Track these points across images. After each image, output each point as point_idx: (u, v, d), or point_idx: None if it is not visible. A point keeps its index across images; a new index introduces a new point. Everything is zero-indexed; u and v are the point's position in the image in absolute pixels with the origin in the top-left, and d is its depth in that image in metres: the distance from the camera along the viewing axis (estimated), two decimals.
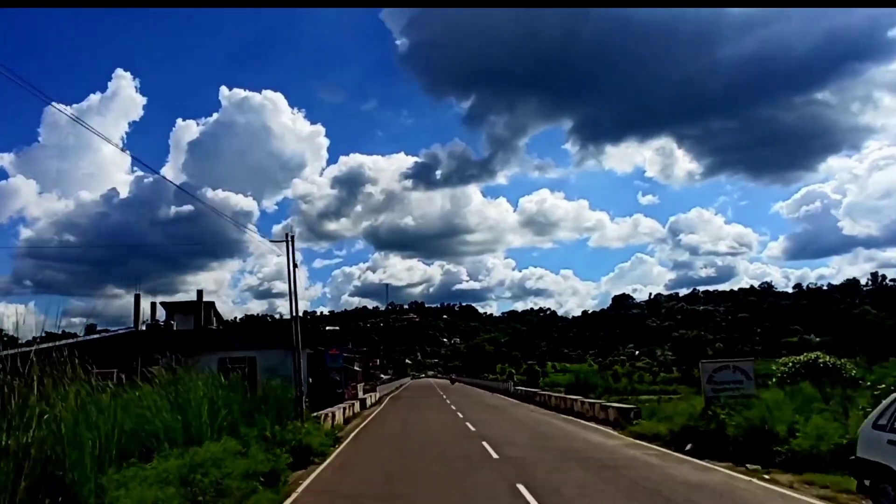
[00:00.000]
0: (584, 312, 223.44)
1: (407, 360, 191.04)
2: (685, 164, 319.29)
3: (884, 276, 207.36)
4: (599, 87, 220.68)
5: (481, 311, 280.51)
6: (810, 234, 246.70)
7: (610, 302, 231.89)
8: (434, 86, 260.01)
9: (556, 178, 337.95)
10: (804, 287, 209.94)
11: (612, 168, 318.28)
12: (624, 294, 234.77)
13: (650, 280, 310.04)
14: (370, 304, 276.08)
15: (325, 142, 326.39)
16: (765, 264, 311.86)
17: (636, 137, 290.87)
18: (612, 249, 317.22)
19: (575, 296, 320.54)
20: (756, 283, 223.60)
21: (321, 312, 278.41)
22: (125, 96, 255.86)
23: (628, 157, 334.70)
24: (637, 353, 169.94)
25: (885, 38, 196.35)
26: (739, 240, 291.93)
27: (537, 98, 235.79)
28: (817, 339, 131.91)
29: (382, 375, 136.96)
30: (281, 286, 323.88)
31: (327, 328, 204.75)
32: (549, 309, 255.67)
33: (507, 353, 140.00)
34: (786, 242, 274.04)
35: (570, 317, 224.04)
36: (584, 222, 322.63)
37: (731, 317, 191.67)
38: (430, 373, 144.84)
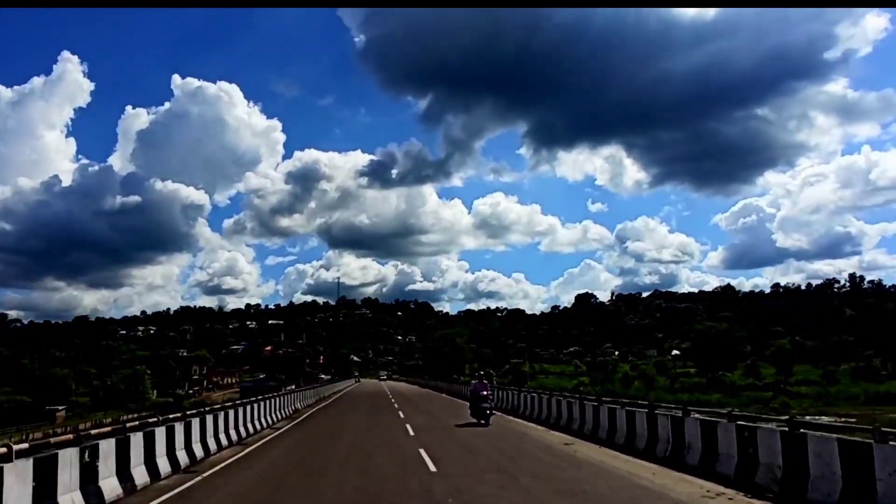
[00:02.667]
0: (555, 308, 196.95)
1: (355, 358, 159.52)
2: (634, 173, 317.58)
3: (861, 278, 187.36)
4: (554, 92, 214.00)
5: (437, 309, 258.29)
6: (746, 245, 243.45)
7: (573, 301, 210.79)
8: (391, 83, 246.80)
9: (510, 181, 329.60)
10: (782, 287, 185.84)
11: (563, 175, 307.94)
12: (587, 293, 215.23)
13: (598, 286, 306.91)
14: (322, 301, 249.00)
15: (282, 137, 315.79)
16: (704, 273, 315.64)
17: (588, 144, 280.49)
18: (562, 254, 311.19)
19: (526, 299, 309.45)
20: (695, 291, 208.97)
21: (267, 306, 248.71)
22: (71, 80, 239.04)
23: (580, 164, 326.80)
24: (617, 353, 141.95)
25: (822, 59, 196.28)
26: (682, 249, 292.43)
27: (493, 100, 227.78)
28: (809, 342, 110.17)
29: (323, 376, 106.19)
30: (232, 282, 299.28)
31: (269, 322, 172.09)
32: (505, 309, 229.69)
33: (475, 350, 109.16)
34: (724, 253, 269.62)
35: (539, 313, 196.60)
36: (536, 226, 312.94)
37: (712, 315, 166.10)
38: (384, 373, 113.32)
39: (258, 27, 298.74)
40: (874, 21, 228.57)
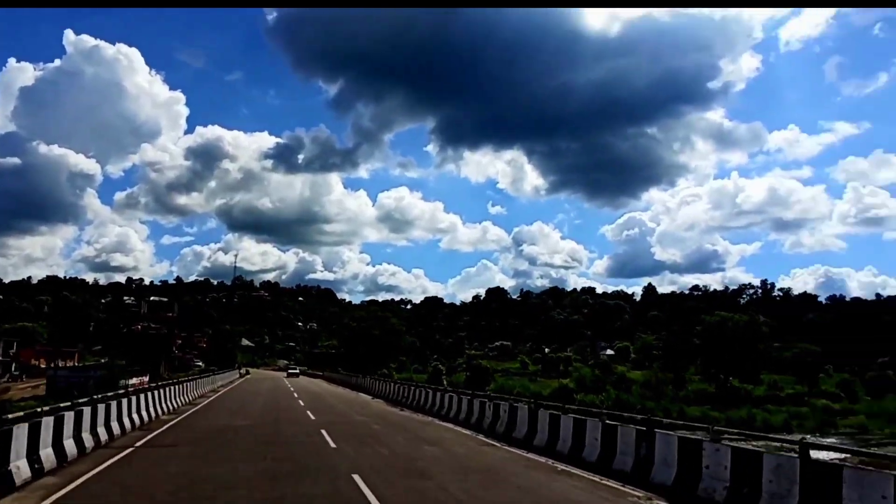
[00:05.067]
0: (476, 297, 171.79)
1: (248, 343, 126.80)
2: (533, 178, 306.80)
3: (773, 285, 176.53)
4: (464, 92, 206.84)
5: (340, 297, 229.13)
6: (629, 255, 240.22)
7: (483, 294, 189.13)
8: (302, 65, 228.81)
9: (416, 177, 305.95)
10: (701, 289, 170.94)
11: (467, 175, 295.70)
12: (499, 287, 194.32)
13: (490, 286, 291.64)
14: (217, 282, 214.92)
15: (185, 110, 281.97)
16: (590, 280, 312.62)
17: (492, 146, 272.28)
18: (461, 253, 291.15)
19: (423, 295, 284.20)
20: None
21: (152, 282, 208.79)
22: None
23: (483, 166, 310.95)
24: (547, 349, 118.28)
25: (706, 87, 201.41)
26: (572, 255, 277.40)
27: (405, 93, 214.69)
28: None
29: (198, 363, 74.97)
30: (121, 259, 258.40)
31: (151, 298, 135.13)
32: (410, 301, 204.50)
33: (393, 342, 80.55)
34: (608, 261, 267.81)
35: (460, 303, 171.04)
36: (438, 224, 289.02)
37: (642, 313, 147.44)
38: (293, 366, 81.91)
39: None
40: (749, 60, 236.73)
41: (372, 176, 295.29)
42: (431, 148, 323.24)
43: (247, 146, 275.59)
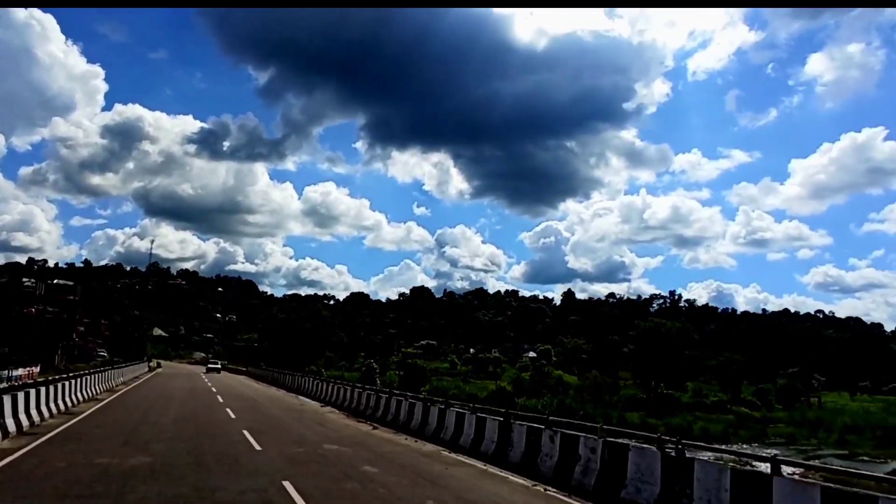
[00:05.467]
0: (402, 295, 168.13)
1: (162, 333, 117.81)
2: (458, 182, 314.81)
3: (679, 296, 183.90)
4: (395, 91, 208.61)
5: (262, 290, 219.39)
6: (544, 262, 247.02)
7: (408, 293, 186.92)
8: (231, 49, 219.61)
9: (343, 173, 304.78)
10: (615, 297, 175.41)
11: (394, 175, 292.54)
12: (423, 286, 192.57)
13: (412, 286, 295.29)
14: (130, 267, 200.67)
15: (103, 86, 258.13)
16: (507, 284, 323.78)
17: (420, 147, 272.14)
18: (384, 251, 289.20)
19: (346, 291, 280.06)
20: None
21: (57, 264, 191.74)
22: None
23: (410, 167, 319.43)
24: (472, 350, 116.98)
25: (621, 108, 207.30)
26: (492, 259, 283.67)
27: (336, 87, 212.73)
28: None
29: (102, 353, 67.81)
30: (25, 239, 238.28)
31: (55, 281, 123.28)
32: (333, 296, 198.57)
33: (323, 337, 76.36)
34: (525, 267, 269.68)
35: (386, 300, 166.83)
36: (364, 221, 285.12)
37: (561, 317, 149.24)
38: (201, 355, 75.82)
39: None
40: (661, 86, 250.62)
41: (299, 169, 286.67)
42: (360, 145, 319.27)
43: (169, 129, 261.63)
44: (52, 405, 19.75)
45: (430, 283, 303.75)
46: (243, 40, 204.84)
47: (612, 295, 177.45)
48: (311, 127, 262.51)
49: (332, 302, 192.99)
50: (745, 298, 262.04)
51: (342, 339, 76.40)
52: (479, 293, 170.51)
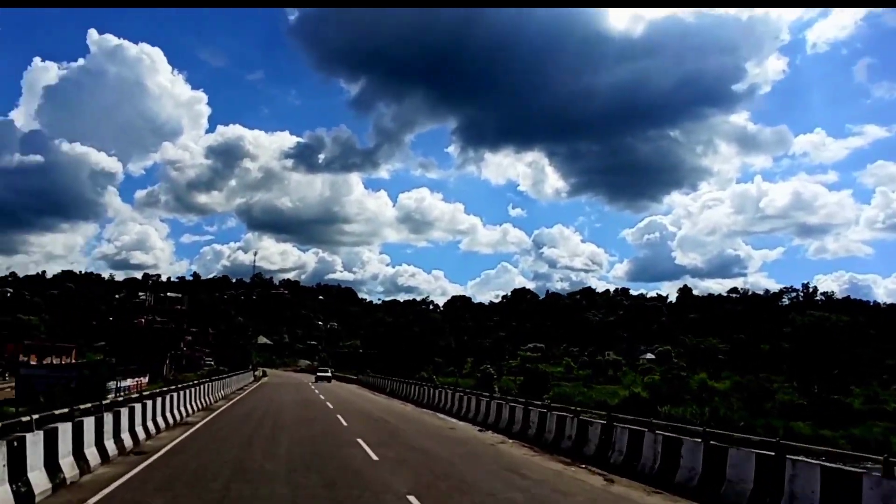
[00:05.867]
0: (505, 297, 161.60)
1: (266, 341, 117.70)
2: (554, 181, 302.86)
3: (815, 288, 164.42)
4: (485, 92, 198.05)
5: (360, 297, 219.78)
6: (649, 259, 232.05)
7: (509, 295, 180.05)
8: (323, 64, 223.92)
9: (436, 178, 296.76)
10: (740, 291, 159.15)
11: (488, 177, 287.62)
12: (524, 288, 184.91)
13: (510, 289, 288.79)
14: (235, 279, 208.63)
15: (206, 110, 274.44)
16: (610, 283, 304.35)
17: (513, 148, 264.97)
18: (480, 255, 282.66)
19: (443, 296, 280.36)
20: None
21: (169, 278, 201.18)
22: None
23: (504, 168, 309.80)
24: (585, 353, 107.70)
25: (730, 90, 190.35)
26: (593, 258, 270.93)
27: (426, 93, 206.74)
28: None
29: (210, 361, 65.97)
30: (142, 257, 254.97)
31: (169, 294, 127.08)
32: (432, 301, 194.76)
33: (430, 342, 70.58)
34: (629, 265, 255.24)
35: (489, 303, 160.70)
36: (459, 225, 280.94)
37: (677, 315, 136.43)
38: (305, 362, 72.32)
39: None
40: (775, 63, 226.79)
41: (392, 176, 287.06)
42: (452, 149, 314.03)
43: (267, 145, 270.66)
44: (149, 423, 17.09)
45: (529, 286, 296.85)
46: (333, 54, 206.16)
47: (734, 290, 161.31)
48: (403, 134, 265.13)
49: (430, 307, 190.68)
50: (886, 290, 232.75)
51: (449, 344, 70.69)
52: (587, 293, 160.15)
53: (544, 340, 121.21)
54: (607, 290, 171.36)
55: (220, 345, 59.11)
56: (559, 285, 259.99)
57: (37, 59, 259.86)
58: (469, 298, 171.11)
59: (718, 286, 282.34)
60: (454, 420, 24.86)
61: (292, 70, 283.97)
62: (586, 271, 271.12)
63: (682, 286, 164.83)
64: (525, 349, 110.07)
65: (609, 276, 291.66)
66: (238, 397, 33.19)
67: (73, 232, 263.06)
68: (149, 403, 17.19)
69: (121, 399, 20.93)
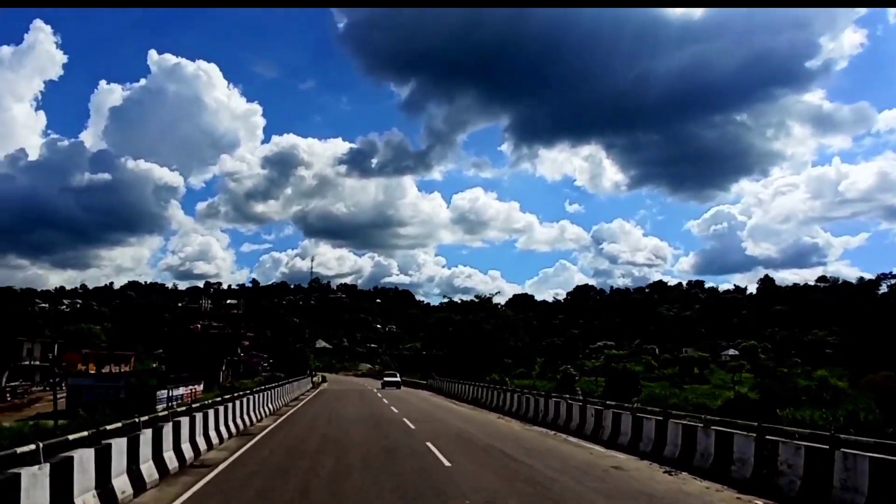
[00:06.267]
0: (569, 294, 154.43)
1: (325, 345, 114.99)
2: (612, 174, 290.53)
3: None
4: (537, 87, 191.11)
5: (418, 298, 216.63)
6: (717, 251, 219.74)
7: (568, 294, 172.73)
8: (373, 69, 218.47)
9: (490, 177, 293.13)
10: (828, 281, 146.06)
11: (543, 174, 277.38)
12: (586, 285, 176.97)
13: (570, 286, 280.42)
14: (293, 284, 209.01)
15: (262, 121, 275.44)
16: (675, 277, 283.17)
17: (568, 142, 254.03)
18: (538, 253, 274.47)
19: (501, 297, 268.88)
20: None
21: (229, 286, 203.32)
22: (43, 51, 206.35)
23: (559, 164, 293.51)
24: (660, 350, 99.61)
25: (803, 68, 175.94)
26: (656, 252, 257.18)
27: (476, 91, 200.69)
28: None
29: (266, 366, 62.66)
30: (204, 267, 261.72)
31: (228, 301, 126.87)
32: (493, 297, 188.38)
33: (503, 341, 64.67)
34: (695, 258, 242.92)
35: (553, 300, 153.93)
36: (514, 224, 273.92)
37: (759, 308, 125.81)
38: (367, 366, 68.13)
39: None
40: (852, 36, 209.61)
41: (446, 177, 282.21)
42: (506, 147, 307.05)
43: (321, 153, 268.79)
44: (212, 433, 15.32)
45: (589, 283, 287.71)
46: (382, 59, 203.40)
47: (822, 278, 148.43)
48: (455, 134, 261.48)
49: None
50: None
51: (517, 344, 65.15)
52: (658, 286, 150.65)
53: (614, 338, 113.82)
54: (679, 284, 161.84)
55: (275, 349, 55.51)
56: (621, 281, 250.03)
57: (102, 82, 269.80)
58: (532, 296, 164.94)
59: (795, 276, 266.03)
60: (597, 447, 16.57)
61: (343, 77, 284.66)
62: (649, 266, 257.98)
63: (762, 277, 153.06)
64: (593, 347, 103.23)
65: (674, 270, 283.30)
66: (291, 411, 27.41)
67: (139, 245, 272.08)
68: (167, 429, 12.11)
69: (162, 413, 16.62)
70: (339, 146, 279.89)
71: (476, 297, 59.57)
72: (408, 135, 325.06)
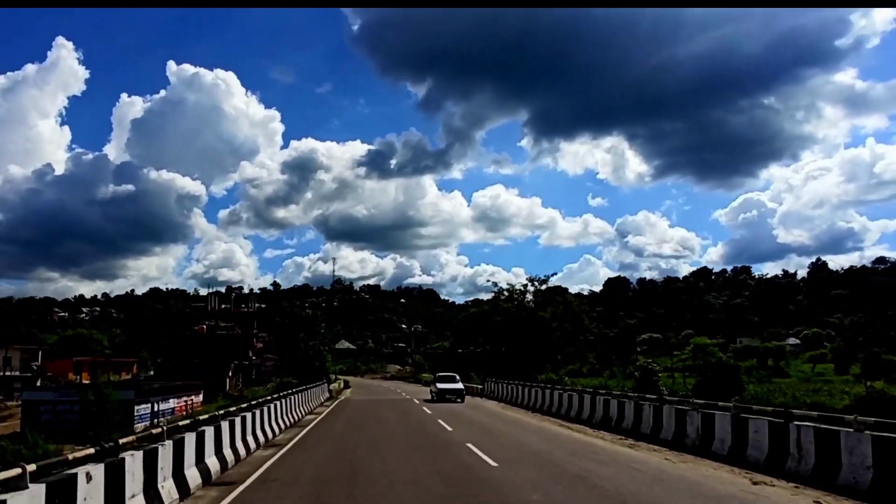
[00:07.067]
0: (605, 284, 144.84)
1: (350, 346, 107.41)
2: (635, 165, 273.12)
3: None
4: (556, 79, 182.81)
5: (443, 297, 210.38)
6: (747, 240, 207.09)
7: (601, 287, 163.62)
8: (388, 69, 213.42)
9: (510, 173, 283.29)
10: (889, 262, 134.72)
11: (565, 168, 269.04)
12: (619, 276, 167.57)
13: (596, 281, 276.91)
14: (316, 287, 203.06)
15: (280, 127, 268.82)
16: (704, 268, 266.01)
17: (590, 134, 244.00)
18: (561, 249, 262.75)
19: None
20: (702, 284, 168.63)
21: (251, 289, 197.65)
22: (66, 67, 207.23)
23: (581, 157, 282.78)
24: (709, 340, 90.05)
25: (832, 46, 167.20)
26: (683, 243, 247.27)
27: (494, 87, 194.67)
28: None
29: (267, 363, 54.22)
30: (228, 273, 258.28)
31: (250, 304, 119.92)
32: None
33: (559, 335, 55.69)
34: (724, 248, 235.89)
35: (588, 291, 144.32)
36: (537, 220, 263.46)
37: (819, 294, 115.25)
38: (396, 368, 59.42)
39: (253, 11, 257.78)
40: (884, 11, 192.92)
41: (466, 176, 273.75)
42: (526, 142, 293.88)
43: (340, 156, 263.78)
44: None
45: (621, 275, 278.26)
46: (398, 58, 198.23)
47: (880, 259, 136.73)
48: (474, 132, 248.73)
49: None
50: None
51: (586, 336, 56.52)
52: (703, 273, 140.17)
53: (659, 329, 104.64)
54: (724, 270, 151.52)
55: (282, 347, 46.66)
56: (647, 274, 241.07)
57: (123, 95, 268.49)
58: (566, 289, 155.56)
59: (831, 263, 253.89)
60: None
61: (359, 79, 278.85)
62: (677, 258, 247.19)
63: (814, 260, 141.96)
64: (638, 340, 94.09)
65: (702, 261, 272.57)
66: (286, 447, 16.01)
67: (164, 254, 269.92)
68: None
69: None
70: (358, 148, 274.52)
71: (507, 286, 50.48)
72: (426, 134, 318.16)
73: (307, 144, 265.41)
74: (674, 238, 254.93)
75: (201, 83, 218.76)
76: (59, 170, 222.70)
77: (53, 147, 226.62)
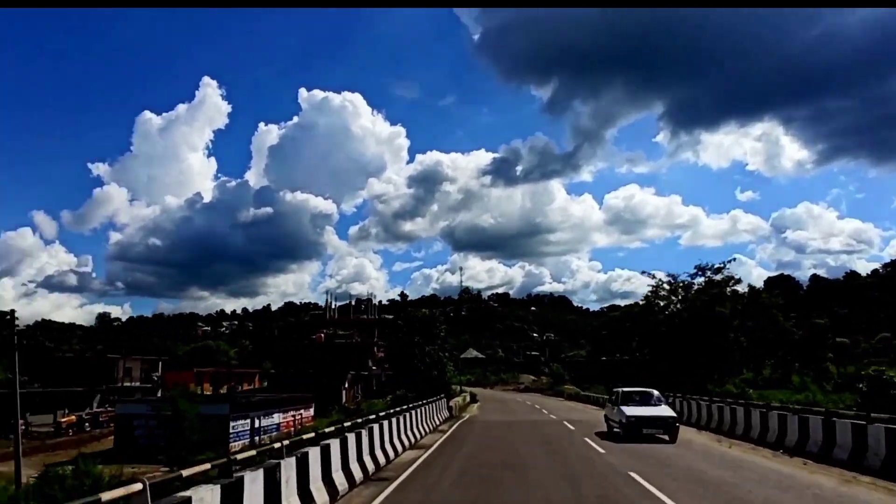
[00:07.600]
0: (770, 280, 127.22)
1: (478, 355, 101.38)
2: (793, 152, 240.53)
3: None
4: (694, 65, 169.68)
5: (575, 304, 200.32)
6: None
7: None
8: (511, 74, 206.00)
9: (645, 172, 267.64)
10: None
11: (707, 162, 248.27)
12: (781, 274, 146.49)
13: (748, 282, 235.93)
14: (444, 297, 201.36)
15: (406, 143, 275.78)
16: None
17: (736, 122, 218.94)
18: (706, 249, 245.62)
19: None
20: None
21: (380, 301, 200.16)
22: (211, 104, 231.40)
23: (726, 148, 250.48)
24: None
25: None
26: (856, 236, 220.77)
27: (625, 80, 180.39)
28: None
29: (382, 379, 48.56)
30: (359, 288, 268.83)
31: (377, 315, 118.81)
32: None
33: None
34: None
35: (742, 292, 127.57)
36: (676, 219, 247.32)
37: None
38: (530, 378, 51.78)
39: (376, 30, 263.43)
40: None
41: (596, 178, 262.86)
42: (662, 137, 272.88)
43: (465, 166, 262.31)
44: None
45: (773, 276, 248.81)
46: (521, 62, 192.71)
47: None
48: (604, 130, 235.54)
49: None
50: None
51: (737, 340, 45.79)
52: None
53: (844, 333, 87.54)
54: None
55: (395, 356, 40.52)
56: (813, 272, 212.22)
57: (261, 124, 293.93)
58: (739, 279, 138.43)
59: None
60: None
61: (481, 87, 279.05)
62: (849, 252, 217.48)
63: None
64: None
65: (884, 255, 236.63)
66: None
67: (300, 271, 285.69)
68: None
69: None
70: (482, 157, 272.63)
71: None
72: (552, 137, 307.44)
73: (432, 157, 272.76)
74: (844, 231, 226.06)
75: (330, 106, 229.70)
76: (207, 198, 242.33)
77: (202, 178, 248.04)
